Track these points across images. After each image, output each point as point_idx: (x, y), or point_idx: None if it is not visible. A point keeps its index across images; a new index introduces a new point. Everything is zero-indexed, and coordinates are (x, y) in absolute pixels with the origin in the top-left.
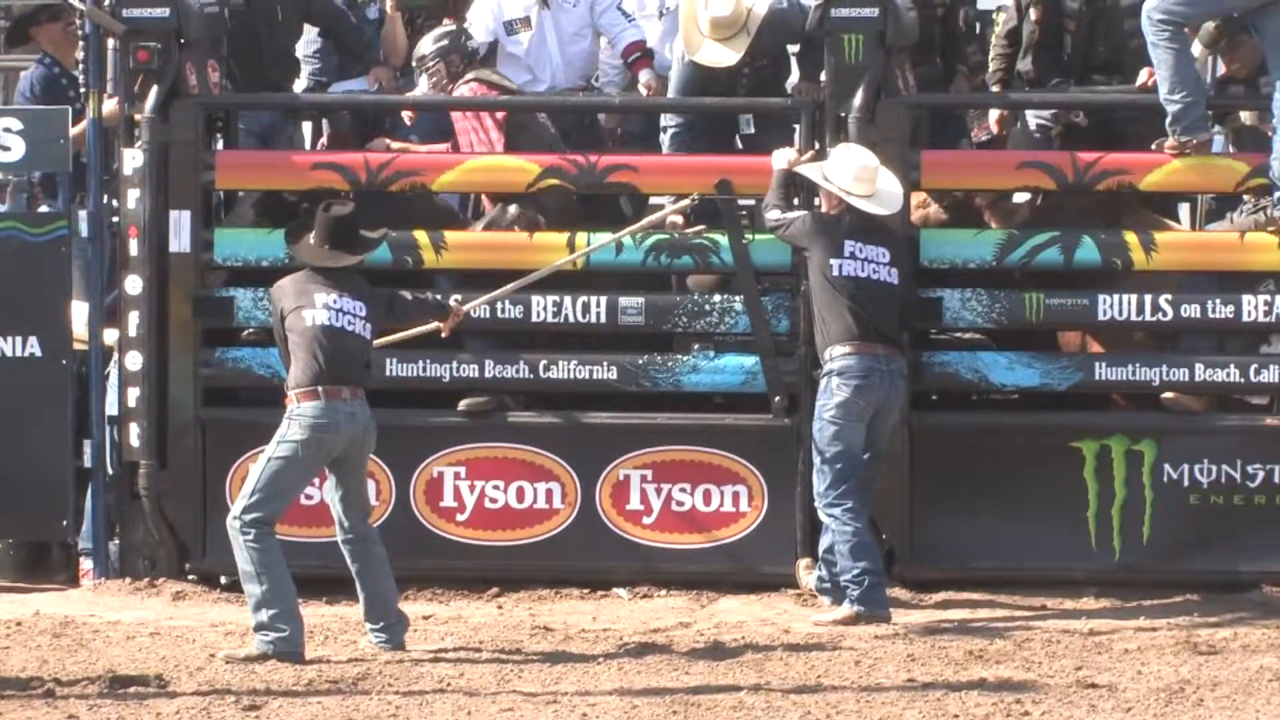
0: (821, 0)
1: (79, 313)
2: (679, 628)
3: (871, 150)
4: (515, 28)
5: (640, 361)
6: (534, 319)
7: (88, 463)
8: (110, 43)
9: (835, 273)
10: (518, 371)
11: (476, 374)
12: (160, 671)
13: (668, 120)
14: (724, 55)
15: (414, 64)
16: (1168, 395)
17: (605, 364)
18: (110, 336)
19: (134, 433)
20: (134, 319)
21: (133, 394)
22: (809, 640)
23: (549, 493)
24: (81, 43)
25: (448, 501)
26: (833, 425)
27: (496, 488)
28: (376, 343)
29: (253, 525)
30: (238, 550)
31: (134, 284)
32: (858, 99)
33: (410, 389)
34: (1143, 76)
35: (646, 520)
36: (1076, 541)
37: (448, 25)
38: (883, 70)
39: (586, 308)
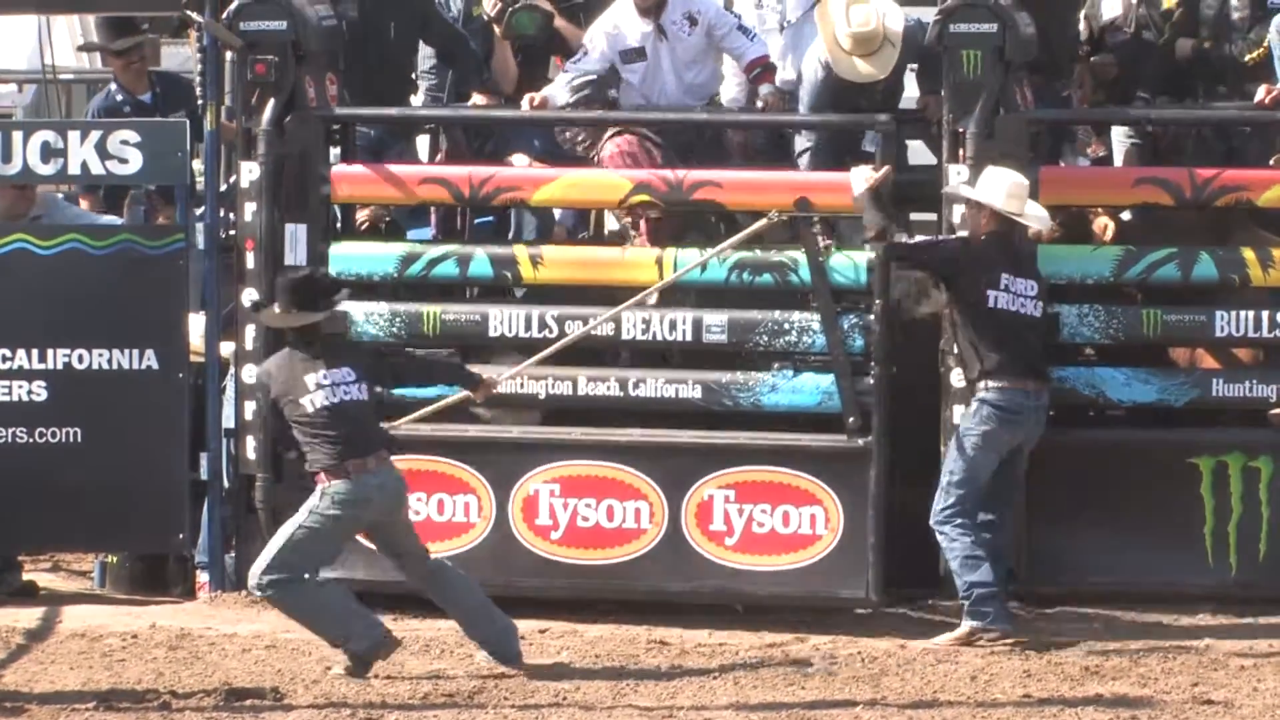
0: (940, 16)
1: (196, 325)
2: (795, 642)
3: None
4: (630, 57)
5: (723, 380)
6: (624, 336)
7: (204, 476)
8: (228, 55)
9: (991, 304)
10: (609, 388)
11: (570, 391)
12: (276, 684)
13: (803, 141)
14: (872, 70)
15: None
16: (1274, 412)
17: (690, 382)
18: (226, 349)
19: (250, 446)
20: (250, 332)
21: (249, 407)
22: (925, 656)
23: (637, 512)
24: (199, 55)
25: (543, 519)
26: (971, 451)
27: (589, 506)
28: (409, 417)
29: (272, 586)
30: (281, 611)
31: (250, 297)
32: (976, 114)
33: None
34: (1260, 93)
35: (729, 541)
36: (1193, 558)
37: (588, 74)
38: (1001, 85)
39: (674, 324)
